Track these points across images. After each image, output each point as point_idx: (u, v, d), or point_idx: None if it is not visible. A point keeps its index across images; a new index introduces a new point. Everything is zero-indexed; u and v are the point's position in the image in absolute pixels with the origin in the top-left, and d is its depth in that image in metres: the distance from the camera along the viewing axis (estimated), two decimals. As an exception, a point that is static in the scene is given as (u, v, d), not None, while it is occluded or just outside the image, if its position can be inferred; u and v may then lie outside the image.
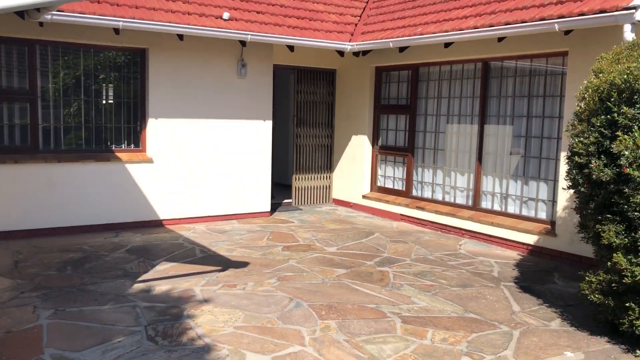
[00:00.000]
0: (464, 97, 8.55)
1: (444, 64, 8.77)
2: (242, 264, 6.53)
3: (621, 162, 4.06)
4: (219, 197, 8.90)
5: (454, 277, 6.28)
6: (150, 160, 8.27)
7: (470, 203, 8.47)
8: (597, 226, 4.41)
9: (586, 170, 4.44)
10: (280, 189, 11.83)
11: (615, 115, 4.14)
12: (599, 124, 4.31)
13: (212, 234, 8.04)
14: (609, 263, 4.36)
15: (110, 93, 8.25)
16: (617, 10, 5.64)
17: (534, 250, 7.36)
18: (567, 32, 6.64)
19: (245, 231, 8.27)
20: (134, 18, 7.24)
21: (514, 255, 7.38)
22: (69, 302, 5.18)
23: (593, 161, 4.32)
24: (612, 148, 4.13)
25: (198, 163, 8.66)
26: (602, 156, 4.30)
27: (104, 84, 8.17)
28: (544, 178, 7.52)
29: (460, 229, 8.32)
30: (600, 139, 4.30)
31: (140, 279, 5.92)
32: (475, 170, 8.35)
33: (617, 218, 4.25)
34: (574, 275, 6.39)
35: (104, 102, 8.17)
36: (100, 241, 7.44)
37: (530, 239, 7.39)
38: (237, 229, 8.43)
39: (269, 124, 9.28)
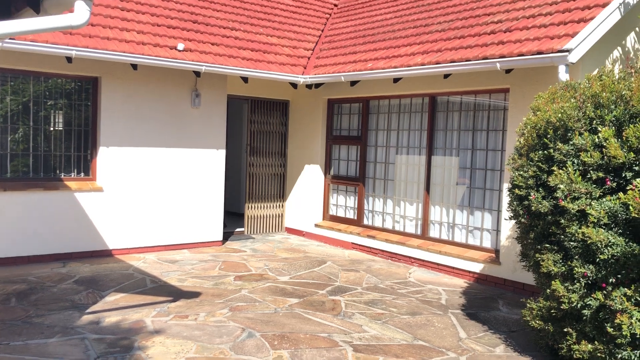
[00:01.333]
0: (412, 130, 8.86)
1: (393, 98, 9.09)
2: (194, 294, 6.50)
3: (557, 195, 4.33)
4: (170, 227, 8.84)
5: (404, 305, 6.44)
6: (100, 189, 8.16)
7: (419, 232, 8.71)
8: (537, 255, 4.66)
9: (526, 202, 4.71)
10: (233, 217, 11.82)
11: (552, 150, 4.43)
12: (537, 159, 4.59)
13: (163, 263, 7.96)
14: (548, 290, 4.61)
15: (60, 120, 8.15)
16: (552, 52, 6.04)
17: (480, 278, 7.62)
18: (508, 71, 7.04)
19: (196, 261, 8.23)
20: (87, 47, 7.22)
21: (461, 283, 7.61)
22: (13, 335, 5.03)
23: (532, 193, 4.59)
24: (549, 181, 4.41)
25: (149, 192, 8.61)
26: (540, 189, 4.57)
27: (53, 111, 8.06)
28: (489, 208, 7.84)
29: (410, 257, 8.53)
30: (538, 172, 4.58)
31: (89, 310, 5.81)
32: (423, 200, 8.62)
33: (555, 247, 4.51)
34: (517, 302, 6.66)
35: (52, 129, 8.04)
36: (47, 272, 7.25)
37: (476, 267, 7.66)
38: (189, 258, 8.37)
39: (222, 153, 9.33)
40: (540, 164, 4.56)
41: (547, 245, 4.56)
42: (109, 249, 8.31)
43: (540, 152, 4.57)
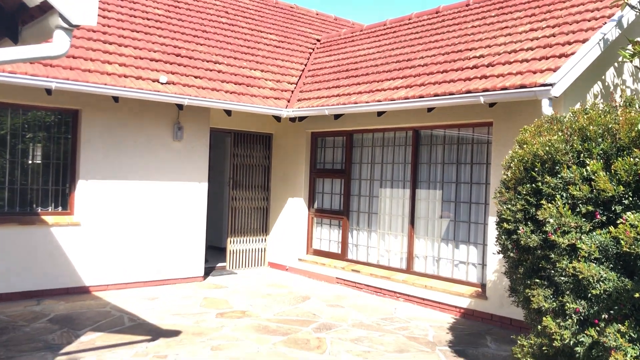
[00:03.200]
0: (397, 163, 8.83)
1: (377, 131, 9.08)
2: (174, 333, 6.27)
3: (547, 229, 4.28)
4: (150, 262, 8.61)
5: (391, 342, 6.27)
6: (77, 224, 7.94)
7: (404, 266, 8.60)
8: (527, 290, 4.57)
9: (514, 236, 4.64)
10: (215, 252, 11.60)
11: (540, 184, 4.39)
12: (524, 192, 4.55)
13: (142, 300, 7.71)
14: (539, 327, 4.50)
15: (39, 153, 7.96)
16: (535, 87, 6.08)
17: (467, 313, 7.50)
18: (491, 105, 7.07)
19: (177, 297, 7.99)
20: (67, 79, 7.11)
21: (448, 318, 7.48)
22: (-19, 379, 4.77)
23: (521, 227, 4.53)
24: (538, 215, 4.35)
25: (129, 226, 8.40)
26: (529, 223, 4.51)
27: (32, 144, 7.88)
28: (474, 242, 7.78)
29: (396, 292, 8.39)
30: (526, 206, 4.53)
31: (63, 351, 5.55)
32: (408, 233, 8.53)
33: (545, 282, 4.43)
34: (505, 338, 6.55)
35: (30, 162, 7.85)
36: (20, 310, 6.97)
37: (463, 302, 7.54)
38: (169, 295, 8.13)
39: (204, 187, 9.19)
40: (528, 197, 4.51)
41: (537, 281, 4.47)
42: (86, 286, 8.04)
43: (528, 185, 4.53)
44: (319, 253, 10.00)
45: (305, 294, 8.50)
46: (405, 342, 6.29)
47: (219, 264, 10.34)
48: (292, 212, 10.31)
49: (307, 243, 10.20)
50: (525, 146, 4.70)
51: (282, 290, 8.76)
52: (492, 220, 7.23)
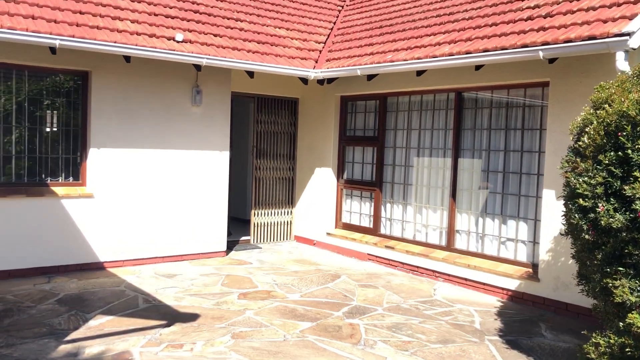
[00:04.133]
0: (436, 129, 8.00)
1: (414, 94, 8.23)
2: (191, 317, 5.66)
3: (636, 207, 3.47)
4: (168, 236, 8.02)
5: (433, 330, 5.57)
6: (90, 195, 7.36)
7: (443, 243, 7.84)
8: (606, 280, 3.79)
9: (592, 215, 3.84)
10: (238, 224, 11.00)
11: (630, 151, 3.57)
12: (607, 162, 3.73)
13: (159, 278, 7.14)
14: (620, 323, 3.74)
15: (47, 120, 7.36)
16: (608, 37, 5.18)
17: (515, 296, 6.75)
18: (551, 61, 6.17)
19: (197, 275, 7.40)
20: (73, 36, 6.42)
21: (494, 301, 6.74)
22: (-27, 372, 4.23)
23: (601, 204, 3.73)
24: (625, 190, 3.55)
25: (145, 198, 7.79)
26: (611, 199, 3.70)
27: (38, 110, 7.27)
28: (524, 217, 6.97)
29: (434, 271, 7.66)
30: (609, 179, 3.71)
31: (68, 338, 4.99)
32: (448, 207, 7.75)
33: (631, 271, 3.65)
34: (562, 326, 5.80)
35: (38, 129, 7.25)
36: (28, 289, 6.45)
37: (511, 284, 6.78)
38: (189, 272, 7.54)
39: (225, 156, 8.51)
40: (612, 168, 3.69)
41: (621, 269, 3.69)
42: (100, 262, 7.50)
43: (612, 153, 3.71)
44: (348, 227, 9.30)
45: (334, 272, 7.84)
46: (449, 331, 5.58)
47: (243, 238, 9.73)
48: (319, 183, 9.60)
49: (335, 216, 9.50)
50: (607, 106, 3.85)
51: (309, 267, 8.11)
52: (547, 194, 6.41)
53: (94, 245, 7.42)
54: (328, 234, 9.39)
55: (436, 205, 8.01)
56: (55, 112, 7.36)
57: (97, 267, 7.47)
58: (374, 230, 8.83)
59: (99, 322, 5.41)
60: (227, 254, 8.69)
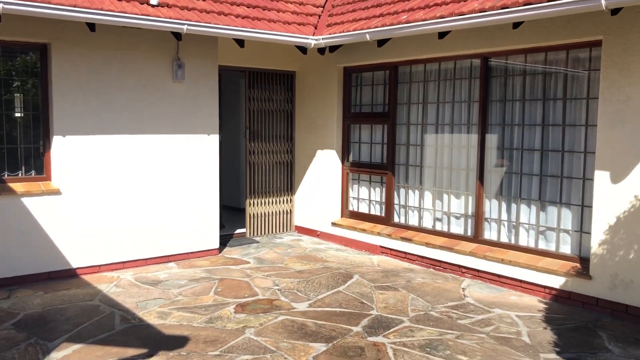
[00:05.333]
0: (458, 102, 6.91)
1: (432, 61, 7.11)
2: (179, 342, 4.61)
3: None
4: (151, 235, 6.93)
5: (476, 349, 4.55)
6: (56, 191, 6.24)
7: (469, 233, 6.81)
8: None
9: None
10: (231, 214, 9.93)
11: None
12: None
13: (141, 287, 6.07)
14: None
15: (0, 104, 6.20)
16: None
17: (560, 296, 5.75)
18: (614, 11, 5.05)
19: (186, 280, 6.34)
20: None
21: (535, 303, 5.74)
22: None
23: None
24: None
25: (122, 192, 6.68)
26: None
27: (-11, 91, 6.11)
28: (567, 202, 5.94)
29: (460, 266, 6.64)
30: None
31: (22, 380, 3.93)
32: (475, 191, 6.70)
33: None
34: (627, 335, 4.82)
35: (-10, 115, 6.10)
36: (-19, 308, 5.37)
37: (554, 281, 5.77)
38: (176, 276, 6.48)
39: (215, 139, 7.38)
40: None
41: None
42: (73, 269, 6.42)
43: None
44: (356, 216, 8.24)
45: (345, 271, 6.80)
46: (494, 348, 4.57)
47: (238, 231, 8.65)
48: (321, 167, 8.51)
49: (341, 204, 8.43)
50: None
51: (315, 265, 7.07)
52: (600, 176, 5.38)
53: (64, 250, 6.33)
54: (333, 224, 8.33)
55: (459, 190, 6.95)
56: (9, 94, 6.19)
57: (68, 275, 6.39)
58: (386, 220, 7.77)
59: (63, 355, 4.34)
60: (220, 252, 7.62)
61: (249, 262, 7.15)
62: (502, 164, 6.51)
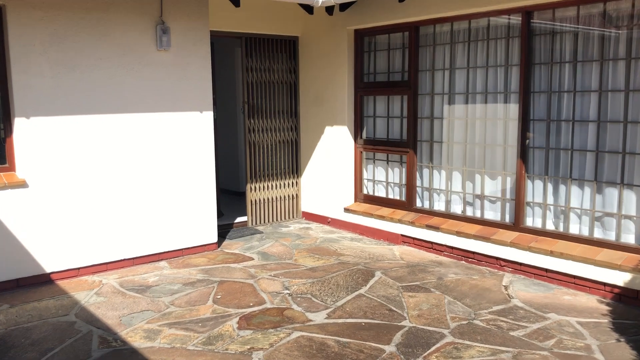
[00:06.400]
0: (493, 67, 5.88)
1: (460, 19, 6.07)
2: (171, 374, 3.68)
3: None
4: (139, 230, 5.97)
5: (543, 374, 3.64)
6: (22, 184, 5.25)
7: (508, 219, 5.86)
8: None
9: None
10: (231, 199, 8.98)
11: None
12: None
13: (126, 294, 5.13)
14: None
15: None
16: None
17: (625, 295, 4.82)
18: None
19: (179, 284, 5.40)
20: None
21: (595, 304, 4.82)
22: None
23: None
24: None
25: (102, 182, 5.69)
26: None
27: None
28: (629, 183, 4.97)
29: (498, 259, 5.71)
30: None
31: None
32: (516, 171, 5.72)
33: None
34: None
35: (-64, 94, 5.07)
36: None
37: (617, 278, 4.84)
38: (168, 279, 5.53)
39: (208, 117, 6.37)
40: None
41: None
42: (47, 273, 5.47)
43: None
44: (372, 200, 7.28)
45: (364, 266, 5.86)
46: (565, 372, 3.65)
47: (238, 219, 7.69)
48: (331, 145, 7.51)
49: (354, 187, 7.46)
50: None
51: (329, 259, 6.13)
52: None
53: (34, 252, 5.37)
54: (346, 209, 7.38)
55: (495, 170, 5.98)
56: (-41, 68, 5.16)
57: (41, 281, 5.44)
58: (407, 204, 6.81)
59: (23, 398, 3.41)
60: (218, 246, 6.68)
61: (253, 259, 6.21)
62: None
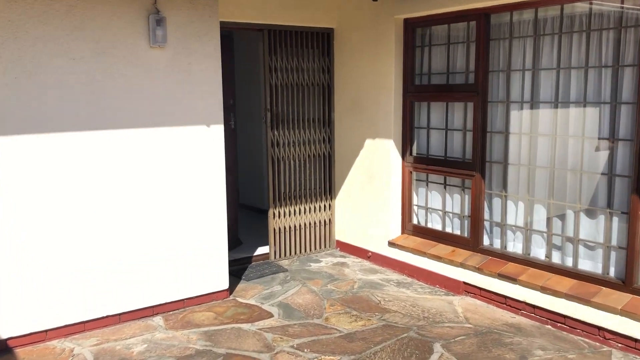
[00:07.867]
0: (594, 68, 4.34)
1: (547, 5, 4.54)
2: None
3: None
4: (126, 277, 4.66)
5: None
6: (-31, 224, 4.00)
7: (613, 274, 4.33)
8: None
9: None
10: (253, 218, 7.66)
11: None
12: None
13: (100, 376, 3.83)
14: None
15: None
16: None
17: None
18: None
19: (173, 357, 4.07)
20: None
21: None
22: None
23: None
24: None
25: (76, 215, 4.39)
26: None
27: None
28: None
29: (600, 328, 4.19)
30: None
31: None
32: (629, 210, 4.17)
33: None
34: None
35: None
36: None
37: None
38: (158, 349, 4.21)
39: (218, 132, 5.00)
40: None
41: None
42: (3, 340, 4.22)
43: None
44: (424, 233, 5.81)
45: (418, 333, 4.42)
46: None
47: (259, 252, 6.35)
48: (372, 162, 6.07)
49: (402, 215, 6.01)
50: None
51: (370, 319, 4.70)
52: None
53: (-13, 311, 4.13)
54: (391, 243, 5.94)
55: (596, 206, 4.44)
56: None
57: (-4, 348, 4.20)
58: (471, 243, 5.33)
59: None
60: (231, 293, 5.33)
61: (272, 315, 4.83)
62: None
